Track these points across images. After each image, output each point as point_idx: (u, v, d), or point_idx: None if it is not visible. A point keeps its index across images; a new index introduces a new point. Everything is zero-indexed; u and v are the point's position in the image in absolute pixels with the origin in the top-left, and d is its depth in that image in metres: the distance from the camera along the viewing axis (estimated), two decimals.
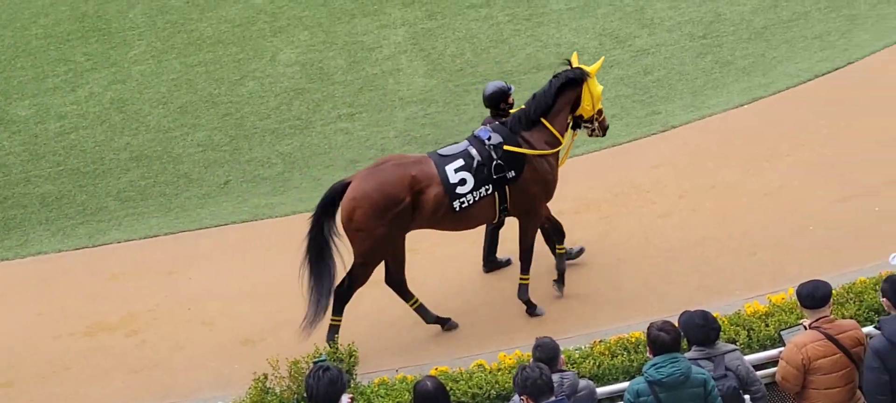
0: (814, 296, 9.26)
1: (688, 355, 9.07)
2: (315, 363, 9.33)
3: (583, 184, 14.49)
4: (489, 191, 12.01)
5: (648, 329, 9.06)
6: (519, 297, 12.52)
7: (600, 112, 12.59)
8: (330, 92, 17.31)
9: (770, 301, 11.08)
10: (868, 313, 10.53)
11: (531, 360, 9.32)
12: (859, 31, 16.57)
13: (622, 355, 10.68)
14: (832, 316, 9.32)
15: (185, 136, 16.89)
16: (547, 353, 9.24)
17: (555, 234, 12.60)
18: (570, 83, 12.29)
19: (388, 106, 16.82)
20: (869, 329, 9.40)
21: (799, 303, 9.47)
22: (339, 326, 11.94)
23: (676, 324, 9.15)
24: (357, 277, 12.03)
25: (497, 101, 12.71)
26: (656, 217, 13.79)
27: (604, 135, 12.83)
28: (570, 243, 12.77)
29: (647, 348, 9.06)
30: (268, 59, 18.34)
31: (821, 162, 14.30)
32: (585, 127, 12.61)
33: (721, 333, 9.75)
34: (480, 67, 17.26)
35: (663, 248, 13.13)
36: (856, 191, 13.68)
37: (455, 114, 16.43)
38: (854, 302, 10.69)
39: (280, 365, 10.81)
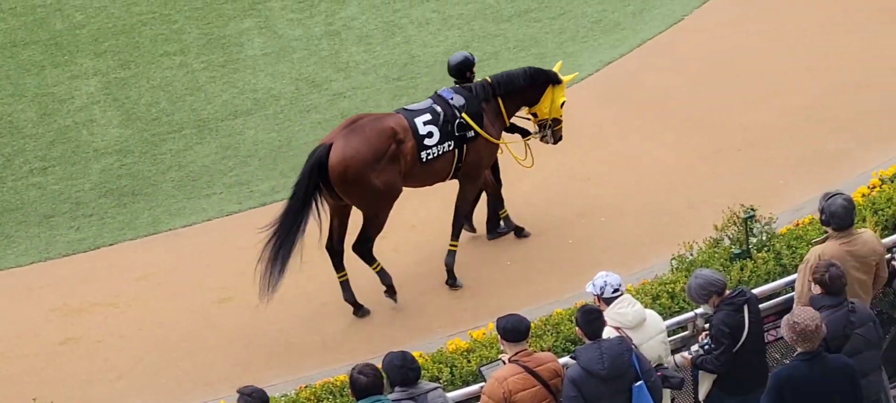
0: (518, 329, 9.42)
1: (391, 396, 9.15)
2: None
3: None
4: (450, 147, 12.74)
5: (350, 372, 9.11)
6: (445, 262, 13.06)
7: (557, 122, 13.41)
8: (20, 146, 16.80)
9: (471, 336, 11.29)
10: (565, 344, 10.84)
11: None
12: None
13: (328, 399, 10.70)
14: (530, 349, 9.53)
15: None
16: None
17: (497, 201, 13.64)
18: (539, 78, 13.14)
19: (83, 158, 16.43)
20: (565, 359, 9.66)
21: (499, 337, 9.64)
22: (347, 279, 12.75)
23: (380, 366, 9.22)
24: (372, 230, 12.68)
25: (463, 71, 13.33)
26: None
27: (555, 143, 13.57)
28: None
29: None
30: None
31: (520, 200, 14.65)
32: (539, 132, 13.46)
33: (423, 372, 9.87)
34: (176, 115, 17.06)
35: None
36: (549, 226, 14.12)
37: (152, 163, 16.17)
38: (551, 334, 10.99)
39: None
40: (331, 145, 12.36)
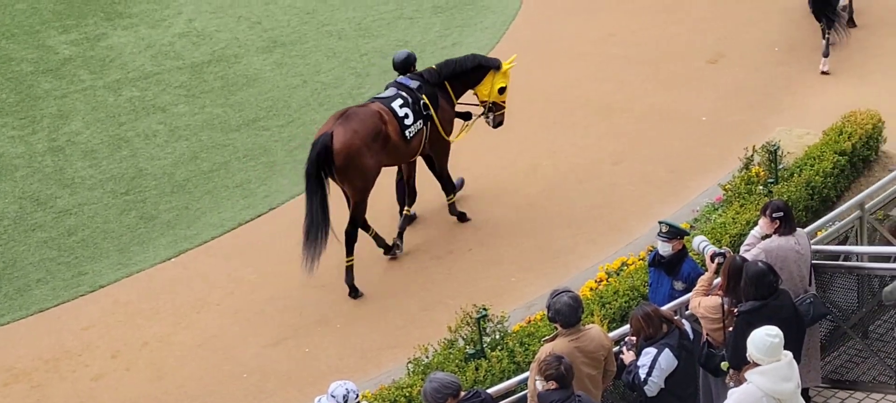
0: None
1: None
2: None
3: (10, 353, 14.08)
4: (421, 125, 14.70)
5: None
6: (456, 213, 15.58)
7: (498, 106, 15.40)
8: None
9: None
10: None
11: None
12: (278, 178, 17.10)
13: None
14: None
15: None
16: None
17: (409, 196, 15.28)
18: (482, 64, 15.28)
19: None
20: None
21: None
22: (353, 265, 14.35)
23: None
24: (359, 213, 14.46)
25: (408, 65, 15.24)
26: (90, 380, 13.58)
27: (495, 127, 15.64)
28: None
29: None
30: None
31: (250, 308, 14.59)
32: (483, 115, 15.47)
33: None
34: None
35: None
36: (287, 334, 14.06)
37: None
38: None
39: None
40: (331, 133, 13.98)
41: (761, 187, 14.61)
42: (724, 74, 18.29)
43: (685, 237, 12.23)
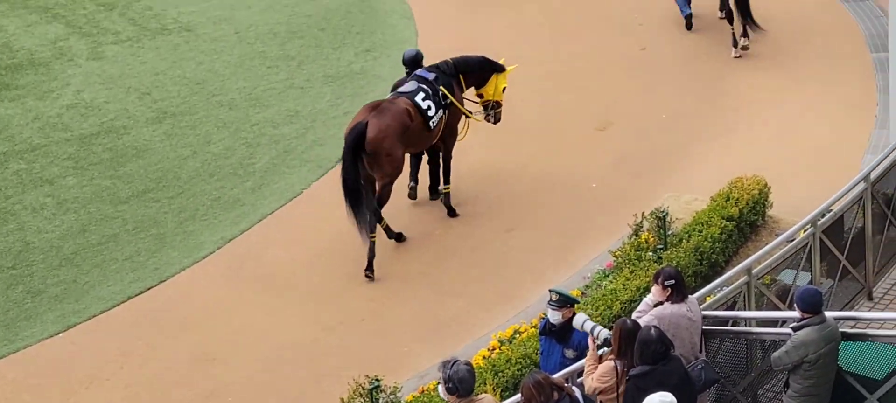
0: None
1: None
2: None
3: None
4: (441, 114, 16.43)
5: None
6: (445, 203, 17.03)
7: (498, 105, 17.23)
8: None
9: None
10: None
11: None
12: (168, 250, 16.92)
13: None
14: None
15: None
16: None
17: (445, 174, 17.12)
18: (489, 65, 17.08)
19: None
20: None
21: None
22: (375, 241, 15.83)
23: None
24: (385, 196, 16.14)
25: (418, 61, 17.09)
26: None
27: (495, 123, 17.40)
28: None
29: None
30: None
31: (141, 383, 14.39)
32: (483, 112, 17.25)
33: None
34: None
35: None
36: None
37: None
38: None
39: None
40: (366, 123, 15.68)
41: (651, 253, 14.75)
42: (612, 142, 18.46)
43: (576, 305, 12.29)
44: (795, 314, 11.41)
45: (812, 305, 11.24)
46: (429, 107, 16.35)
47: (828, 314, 11.46)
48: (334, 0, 23.55)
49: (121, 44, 22.43)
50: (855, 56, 19.85)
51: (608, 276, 14.93)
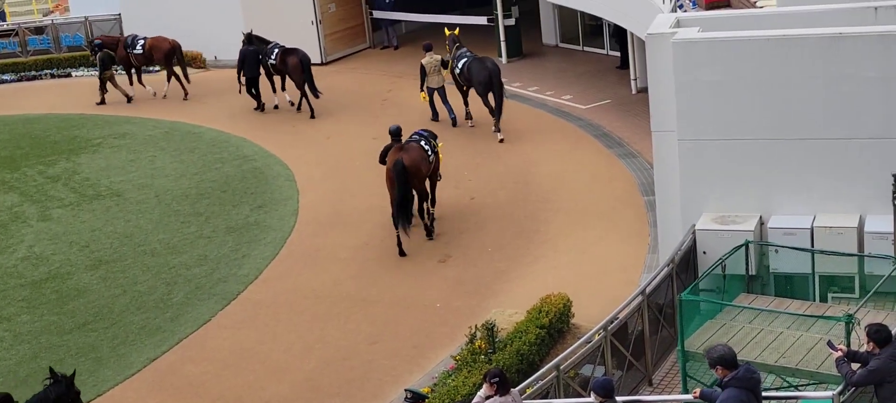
0: None
1: None
2: None
3: None
4: (432, 155, 19.25)
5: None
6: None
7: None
8: None
9: None
10: None
11: None
12: (104, 370, 16.39)
13: None
14: None
15: None
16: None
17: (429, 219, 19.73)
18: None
19: None
20: None
21: None
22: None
23: None
24: (422, 197, 19.27)
25: (399, 132, 19.37)
26: None
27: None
28: None
29: None
30: None
31: None
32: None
33: None
34: None
35: None
36: None
37: None
38: None
39: None
40: (403, 158, 18.52)
41: (483, 356, 14.69)
42: (451, 270, 18.46)
43: (426, 400, 12.15)
44: (593, 400, 11.45)
45: (606, 391, 11.31)
46: (427, 149, 19.18)
47: (618, 398, 11.52)
48: (233, 169, 23.47)
49: (64, 208, 22.02)
50: (631, 198, 20.24)
51: (451, 376, 14.82)
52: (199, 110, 28.04)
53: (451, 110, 24.54)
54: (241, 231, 20.50)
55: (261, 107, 27.23)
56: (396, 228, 18.68)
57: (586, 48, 29.89)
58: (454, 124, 24.29)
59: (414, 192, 18.90)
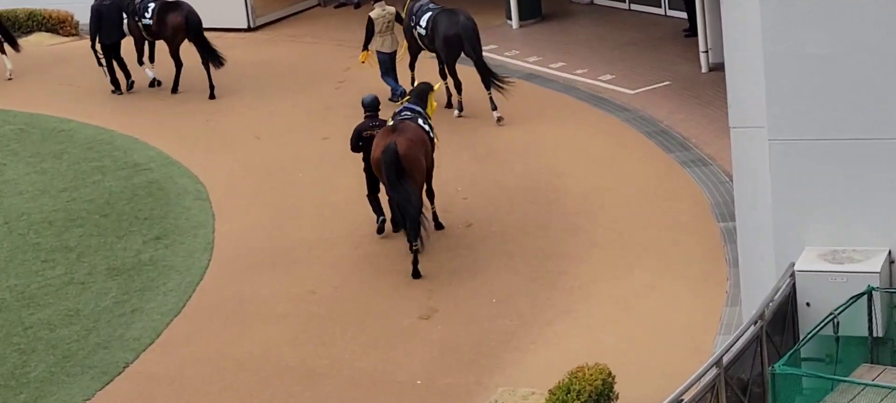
0: None
1: None
2: None
3: None
4: (431, 133, 20.56)
5: None
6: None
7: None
8: None
9: None
10: None
11: None
12: None
13: None
14: None
15: None
16: None
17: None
18: (426, 90, 21.40)
19: None
20: None
21: None
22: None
23: None
24: (420, 186, 20.12)
25: (376, 105, 20.81)
26: None
27: None
28: None
29: None
30: None
31: None
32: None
33: None
34: None
35: None
36: None
37: None
38: None
39: None
40: (395, 143, 19.28)
41: None
42: (437, 330, 18.41)
43: None
44: None
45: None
46: (426, 127, 20.55)
47: None
48: (118, 182, 23.45)
49: None
50: (699, 225, 20.23)
51: None
52: (68, 97, 27.99)
53: (395, 84, 25.51)
54: (131, 273, 20.45)
55: (130, 84, 27.75)
56: (405, 233, 20.04)
57: (635, 6, 29.93)
58: (394, 99, 24.88)
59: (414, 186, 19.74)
